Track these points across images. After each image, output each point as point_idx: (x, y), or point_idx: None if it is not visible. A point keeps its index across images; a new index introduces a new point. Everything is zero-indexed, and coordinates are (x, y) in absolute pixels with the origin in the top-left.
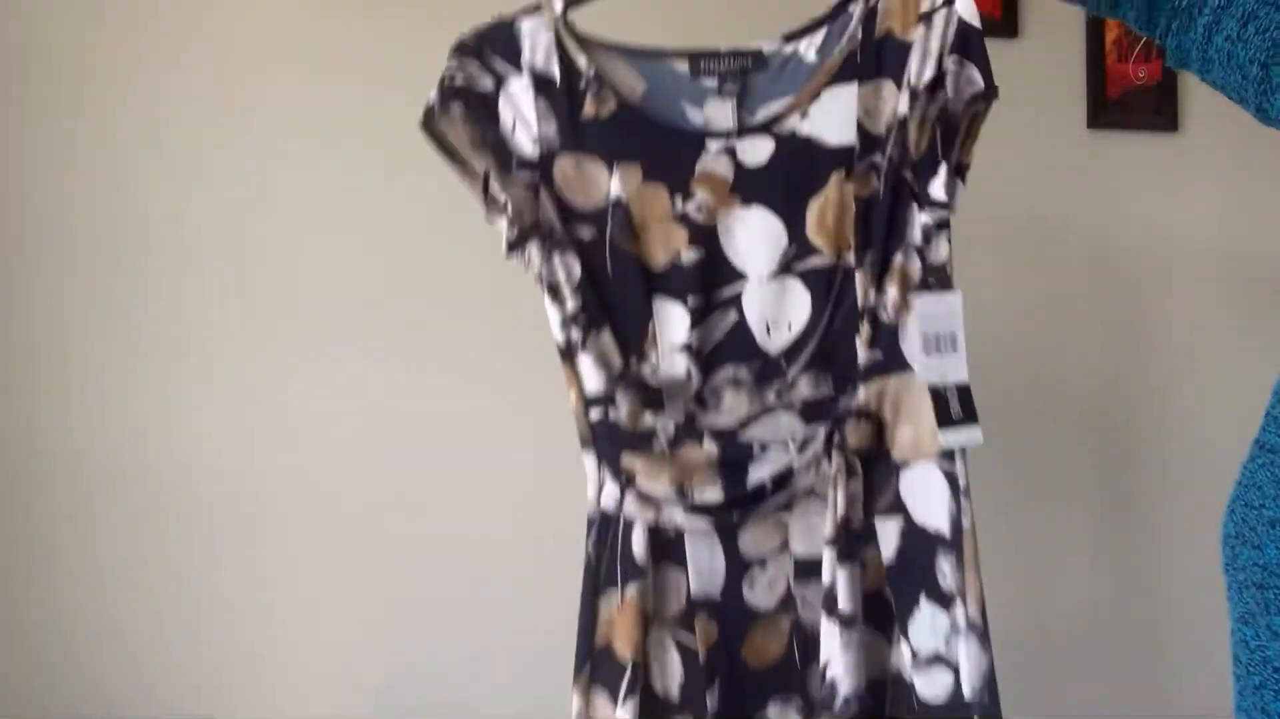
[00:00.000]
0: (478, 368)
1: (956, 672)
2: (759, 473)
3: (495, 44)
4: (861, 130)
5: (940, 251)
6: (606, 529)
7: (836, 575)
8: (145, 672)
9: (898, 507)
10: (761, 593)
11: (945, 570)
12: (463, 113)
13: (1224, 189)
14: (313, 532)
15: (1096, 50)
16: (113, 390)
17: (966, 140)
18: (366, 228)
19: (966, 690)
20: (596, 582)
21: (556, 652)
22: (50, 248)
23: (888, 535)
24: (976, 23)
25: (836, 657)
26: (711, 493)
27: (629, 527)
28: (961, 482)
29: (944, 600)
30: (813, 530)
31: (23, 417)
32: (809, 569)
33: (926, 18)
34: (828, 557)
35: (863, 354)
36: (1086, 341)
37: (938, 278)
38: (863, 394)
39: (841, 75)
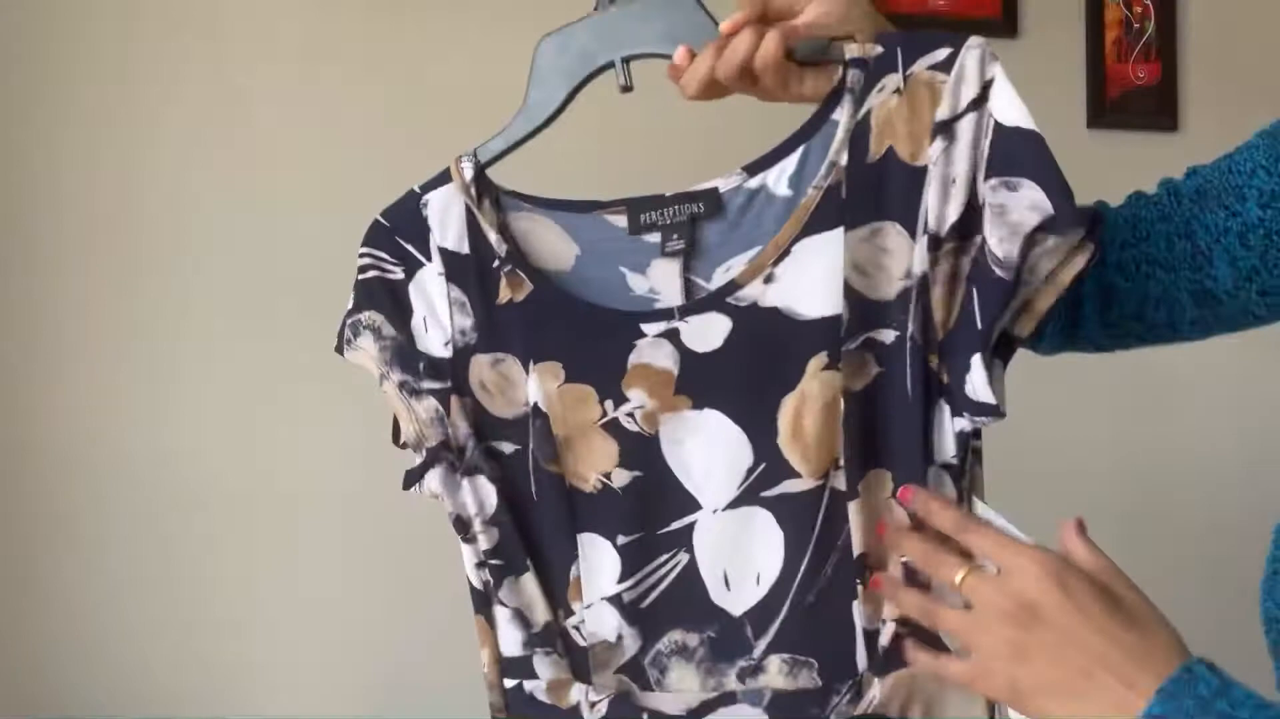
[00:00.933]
0: None
1: None
2: None
3: (403, 225)
4: (851, 295)
5: (976, 471)
6: None
7: None
8: (145, 672)
9: None
10: None
11: None
12: (370, 321)
13: None
14: (313, 531)
15: (1096, 50)
16: (111, 389)
17: (1023, 309)
18: (367, 224)
19: None
20: None
21: None
22: (47, 245)
23: None
24: (1028, 123)
25: None
26: None
27: None
28: None
29: None
30: None
31: (21, 416)
32: None
33: (945, 127)
34: None
35: (884, 633)
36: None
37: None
38: (877, 691)
39: (821, 218)
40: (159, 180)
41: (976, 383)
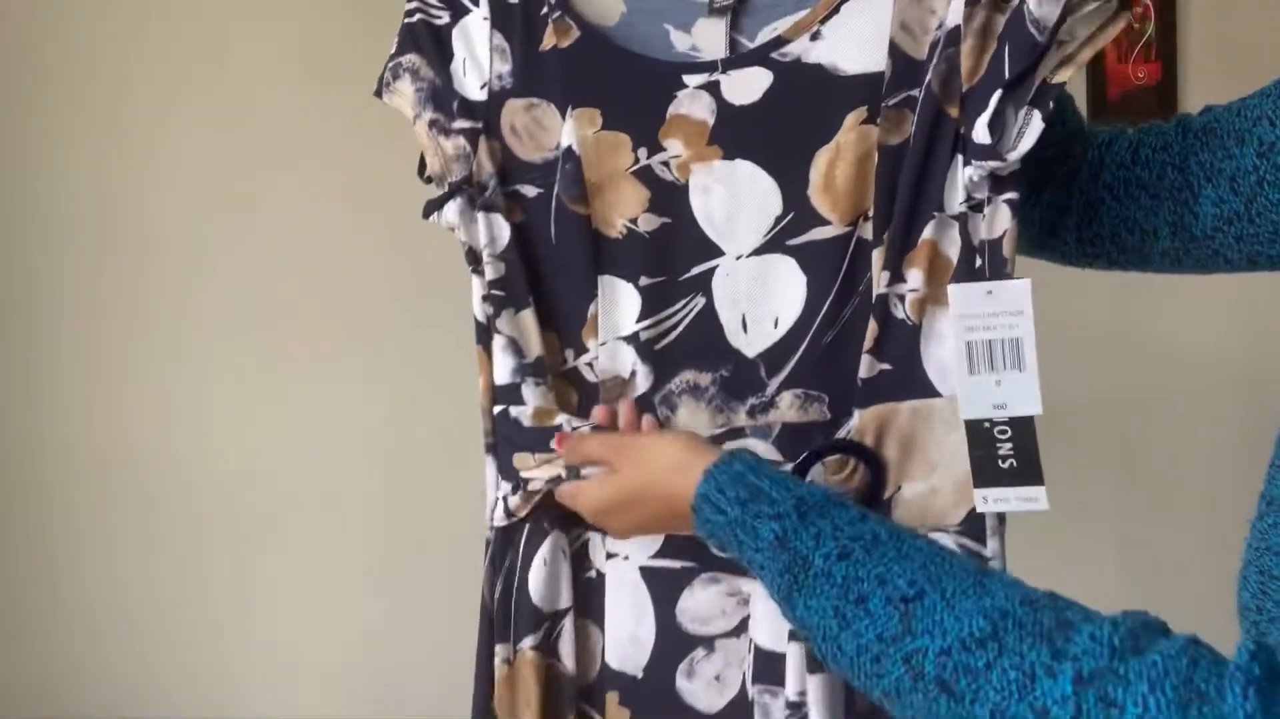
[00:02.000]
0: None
1: None
2: None
3: None
4: (896, 52)
5: (996, 223)
6: (501, 558)
7: (806, 689)
8: (146, 672)
9: None
10: (703, 687)
11: None
12: (410, 64)
13: None
14: (314, 531)
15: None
16: (114, 390)
17: (1062, 62)
18: (368, 226)
19: None
20: (491, 628)
21: None
22: (51, 248)
23: None
24: None
25: None
26: None
27: (527, 559)
28: (995, 567)
29: None
30: None
31: (23, 416)
32: (776, 669)
33: None
34: (792, 657)
35: (864, 365)
36: (1088, 342)
37: (991, 260)
38: (858, 421)
39: None
40: (160, 182)
41: (979, 127)
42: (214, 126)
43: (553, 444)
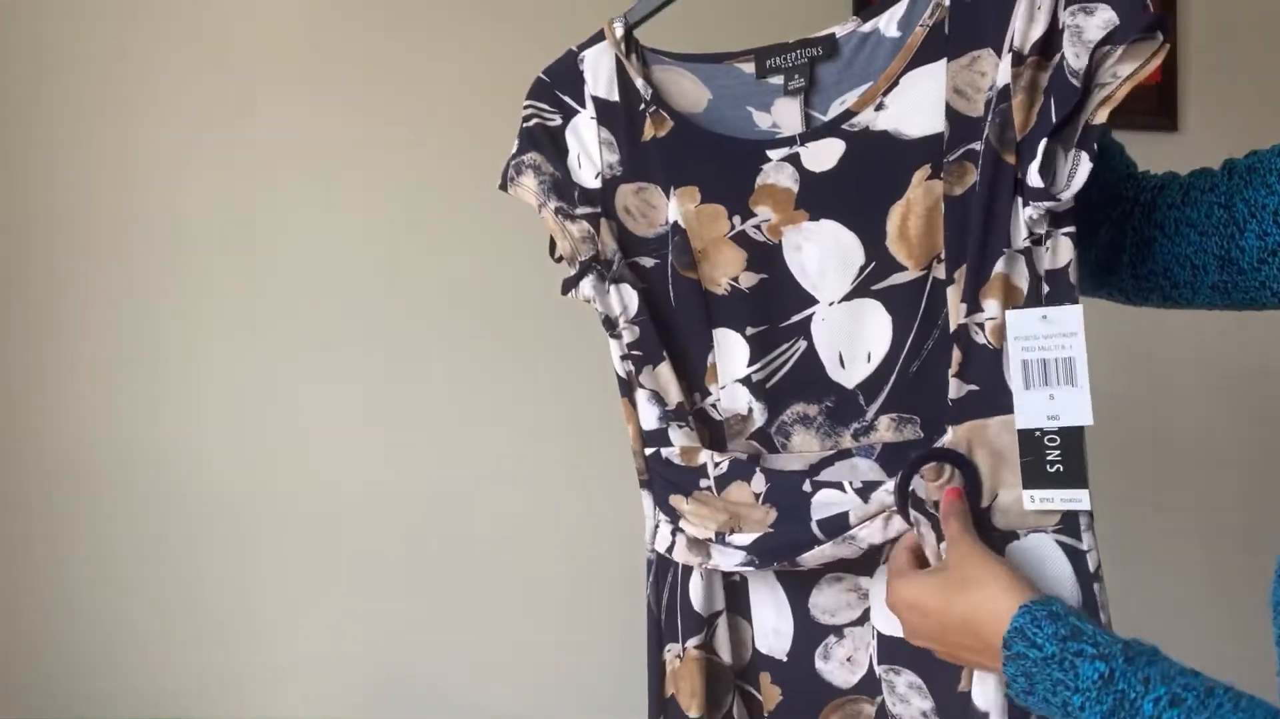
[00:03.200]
0: (480, 366)
1: None
2: (809, 519)
3: (561, 79)
4: (952, 114)
5: (1059, 255)
6: (664, 574)
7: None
8: (146, 672)
9: None
10: (837, 667)
11: None
12: (531, 161)
13: None
14: (315, 532)
15: None
16: (114, 390)
17: (1102, 102)
18: (369, 225)
19: None
20: (659, 632)
21: (559, 652)
22: (50, 247)
23: None
24: None
25: None
26: (749, 537)
27: (686, 573)
28: (1091, 562)
29: None
30: None
31: (23, 417)
32: (898, 651)
33: None
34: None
35: (953, 387)
36: (1088, 341)
37: (1055, 287)
38: (951, 436)
39: (927, 51)
40: (159, 182)
41: (1032, 172)
42: (213, 126)
43: (939, 493)
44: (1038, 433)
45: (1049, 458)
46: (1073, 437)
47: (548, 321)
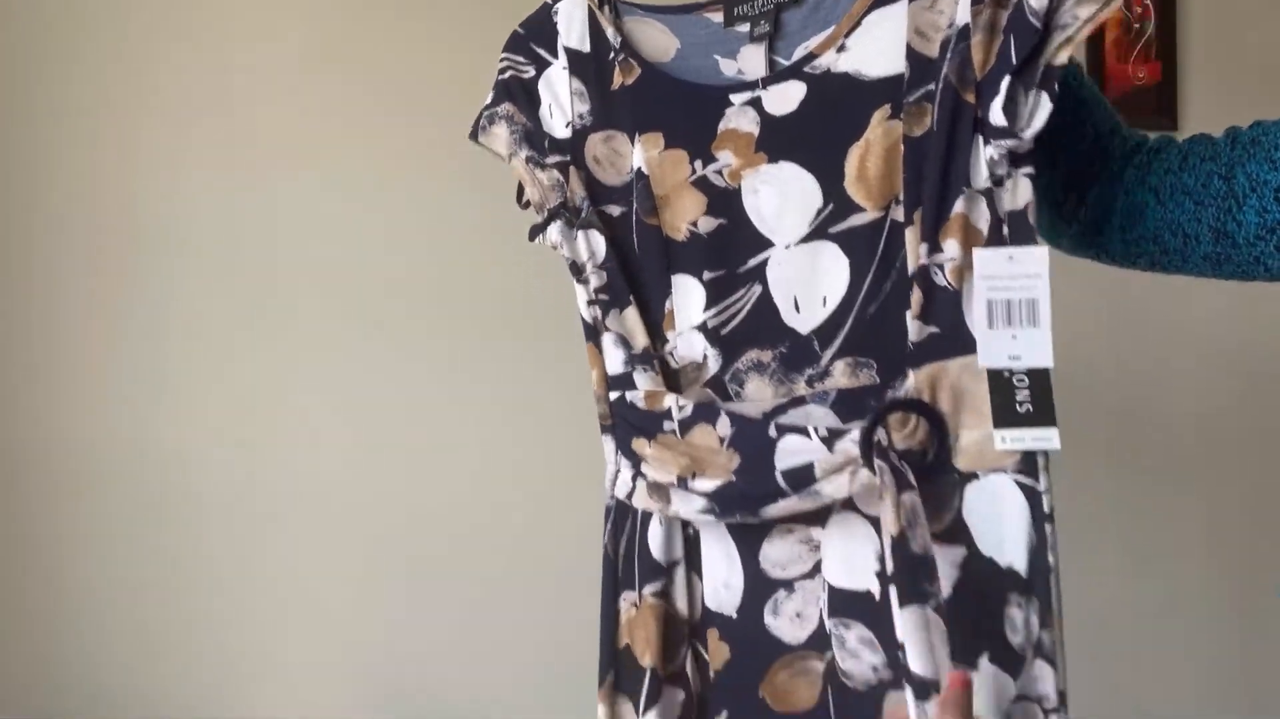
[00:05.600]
0: (480, 368)
1: None
2: (773, 468)
3: (536, 32)
4: (912, 55)
5: (1019, 195)
6: (623, 520)
7: (903, 630)
8: (147, 673)
9: (959, 532)
10: (786, 623)
11: (1017, 621)
12: (505, 112)
13: None
14: (316, 533)
15: (1096, 51)
16: (114, 390)
17: (1063, 43)
18: (369, 225)
19: None
20: (615, 580)
21: (561, 654)
22: (49, 249)
23: (943, 569)
24: None
25: None
26: (711, 483)
27: (646, 520)
28: (1046, 503)
29: (1011, 662)
30: (853, 556)
31: (23, 417)
32: (849, 604)
33: None
34: (893, 604)
35: (913, 330)
36: (1087, 340)
37: (1016, 229)
38: (913, 381)
39: None
40: (158, 181)
41: (994, 110)
42: (212, 125)
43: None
44: (1007, 374)
45: (1019, 398)
46: (1041, 377)
47: (547, 322)
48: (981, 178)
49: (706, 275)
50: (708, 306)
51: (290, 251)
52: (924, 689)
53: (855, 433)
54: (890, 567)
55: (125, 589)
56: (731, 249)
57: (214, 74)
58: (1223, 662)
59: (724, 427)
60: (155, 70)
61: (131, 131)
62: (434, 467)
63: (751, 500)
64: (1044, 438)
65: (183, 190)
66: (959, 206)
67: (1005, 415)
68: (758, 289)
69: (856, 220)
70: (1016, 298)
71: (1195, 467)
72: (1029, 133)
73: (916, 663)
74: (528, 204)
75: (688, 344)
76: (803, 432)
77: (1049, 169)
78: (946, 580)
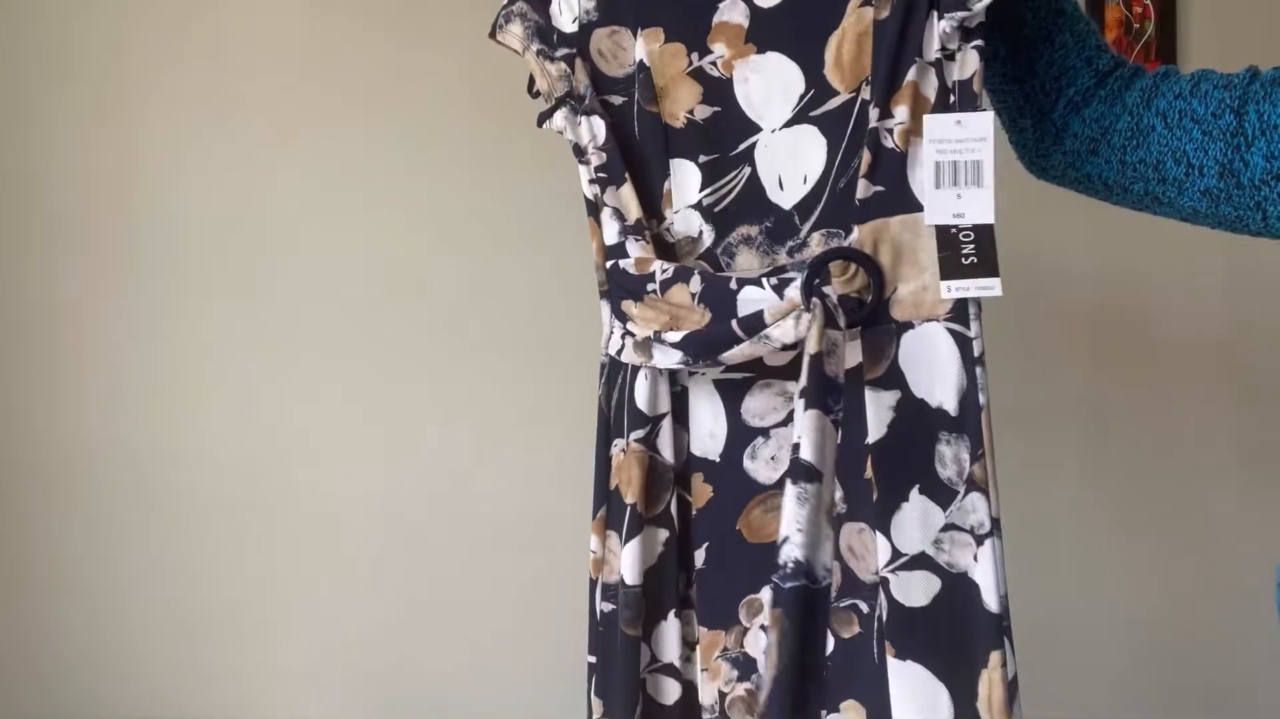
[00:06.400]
0: (480, 368)
1: (943, 576)
2: (734, 316)
3: None
4: None
5: (966, 66)
6: (615, 376)
7: (802, 427)
8: (146, 672)
9: (894, 377)
10: (762, 465)
11: (945, 457)
12: (519, 10)
13: None
14: (314, 532)
15: None
16: (114, 390)
17: None
18: (369, 224)
19: (991, 603)
20: (607, 430)
21: (561, 655)
22: (51, 249)
23: (879, 411)
24: None
25: (792, 522)
26: (680, 334)
27: (634, 374)
28: (976, 348)
29: (940, 493)
30: None
31: (23, 417)
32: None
33: None
34: (796, 410)
35: (861, 188)
36: (1087, 338)
37: (962, 96)
38: (857, 234)
39: None
40: (158, 182)
41: None
42: (211, 125)
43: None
44: (953, 229)
45: (964, 251)
46: (984, 232)
47: (545, 322)
48: (933, 50)
49: (702, 158)
50: (703, 187)
51: (288, 253)
52: (808, 474)
53: (800, 278)
54: (803, 388)
55: (125, 589)
56: (724, 134)
57: (212, 74)
58: None
59: (695, 284)
60: (154, 72)
61: (129, 134)
62: (433, 467)
63: (713, 346)
64: (987, 286)
65: (182, 190)
66: (911, 75)
67: (952, 268)
68: (747, 170)
69: (832, 103)
70: (963, 159)
71: (1183, 442)
72: (979, 4)
73: (806, 452)
74: (538, 93)
75: (685, 221)
76: (757, 283)
77: (1029, 78)
78: (882, 422)
